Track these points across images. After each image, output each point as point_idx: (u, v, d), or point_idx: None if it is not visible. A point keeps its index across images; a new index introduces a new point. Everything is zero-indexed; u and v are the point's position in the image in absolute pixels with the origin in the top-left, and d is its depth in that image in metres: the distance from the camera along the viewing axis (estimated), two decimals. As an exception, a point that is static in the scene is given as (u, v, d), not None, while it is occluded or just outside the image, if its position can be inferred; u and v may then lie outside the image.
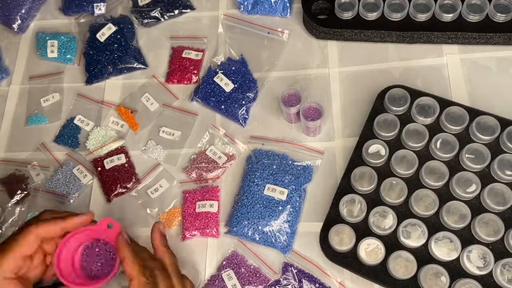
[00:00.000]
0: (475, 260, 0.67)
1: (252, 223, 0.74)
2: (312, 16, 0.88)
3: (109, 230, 0.60)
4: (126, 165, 0.83)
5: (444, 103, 0.77)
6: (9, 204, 0.82)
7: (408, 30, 0.84)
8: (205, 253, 0.76)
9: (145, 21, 0.96)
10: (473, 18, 0.82)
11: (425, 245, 0.69)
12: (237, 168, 0.82)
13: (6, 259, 0.56)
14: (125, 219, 0.80)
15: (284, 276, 0.72)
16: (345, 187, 0.74)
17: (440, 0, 0.84)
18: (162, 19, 0.96)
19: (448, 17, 0.83)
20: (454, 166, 0.73)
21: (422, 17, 0.83)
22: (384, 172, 0.74)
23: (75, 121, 0.88)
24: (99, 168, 0.83)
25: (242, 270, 0.73)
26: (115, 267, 0.58)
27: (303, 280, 0.71)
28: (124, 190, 0.82)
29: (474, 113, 0.76)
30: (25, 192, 0.83)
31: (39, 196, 0.82)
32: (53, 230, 0.59)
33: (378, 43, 0.88)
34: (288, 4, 0.92)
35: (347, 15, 0.86)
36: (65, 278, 0.57)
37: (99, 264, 0.61)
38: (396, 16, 0.84)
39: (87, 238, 0.61)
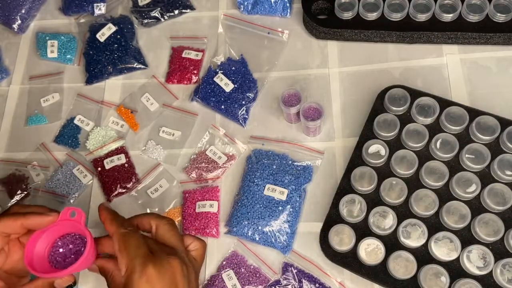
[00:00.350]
0: (475, 260, 0.67)
1: (252, 223, 0.74)
2: (312, 16, 0.88)
3: (74, 219, 0.59)
4: (126, 165, 0.83)
5: (444, 103, 0.77)
6: (9, 204, 0.82)
7: (408, 30, 0.84)
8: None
9: (145, 21, 0.96)
10: (473, 18, 0.82)
11: (425, 245, 0.69)
12: (237, 168, 0.82)
13: None
14: (125, 219, 0.80)
15: (284, 276, 0.72)
16: (345, 187, 0.74)
17: (440, 0, 0.84)
18: (162, 19, 0.96)
19: (448, 17, 0.83)
20: (454, 166, 0.73)
21: (422, 17, 0.83)
22: (384, 172, 0.74)
23: (75, 121, 0.88)
24: (99, 168, 0.83)
25: (242, 270, 0.73)
26: (83, 254, 0.56)
27: (303, 280, 0.71)
28: (124, 190, 0.82)
29: (474, 113, 0.76)
30: (25, 192, 0.83)
31: (39, 196, 0.82)
32: (11, 226, 0.57)
33: (378, 43, 0.88)
34: (288, 4, 0.92)
35: (347, 15, 0.86)
36: (38, 271, 0.56)
37: (72, 256, 0.60)
38: (396, 16, 0.84)
39: (57, 233, 0.60)
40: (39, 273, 0.56)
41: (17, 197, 0.82)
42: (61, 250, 0.60)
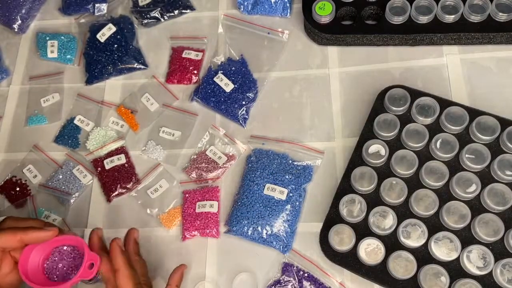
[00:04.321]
0: (475, 260, 0.67)
1: (252, 223, 0.74)
2: (314, 23, 0.87)
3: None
4: (126, 165, 0.83)
5: (444, 103, 0.77)
6: (9, 205, 0.83)
7: (410, 33, 0.84)
8: (205, 253, 0.76)
9: (145, 21, 0.96)
10: (475, 18, 0.82)
11: (425, 245, 0.69)
12: (237, 168, 0.82)
13: None
14: (125, 220, 0.80)
15: (284, 276, 0.72)
16: (345, 187, 0.74)
17: (441, 2, 0.83)
18: (162, 19, 0.96)
19: (450, 18, 0.83)
20: (454, 166, 0.73)
21: (424, 19, 0.83)
22: (384, 172, 0.74)
23: (75, 121, 0.88)
24: (99, 169, 0.83)
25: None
26: (79, 270, 0.57)
27: (303, 280, 0.71)
28: (124, 190, 0.82)
29: (474, 113, 0.76)
30: (27, 196, 0.83)
31: (43, 192, 0.82)
32: (10, 241, 0.57)
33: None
34: (288, 5, 0.92)
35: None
36: (33, 282, 0.57)
37: (65, 268, 0.60)
38: (398, 20, 0.84)
39: (52, 246, 0.60)
40: (36, 286, 0.56)
41: (16, 202, 0.82)
42: (58, 263, 0.60)
